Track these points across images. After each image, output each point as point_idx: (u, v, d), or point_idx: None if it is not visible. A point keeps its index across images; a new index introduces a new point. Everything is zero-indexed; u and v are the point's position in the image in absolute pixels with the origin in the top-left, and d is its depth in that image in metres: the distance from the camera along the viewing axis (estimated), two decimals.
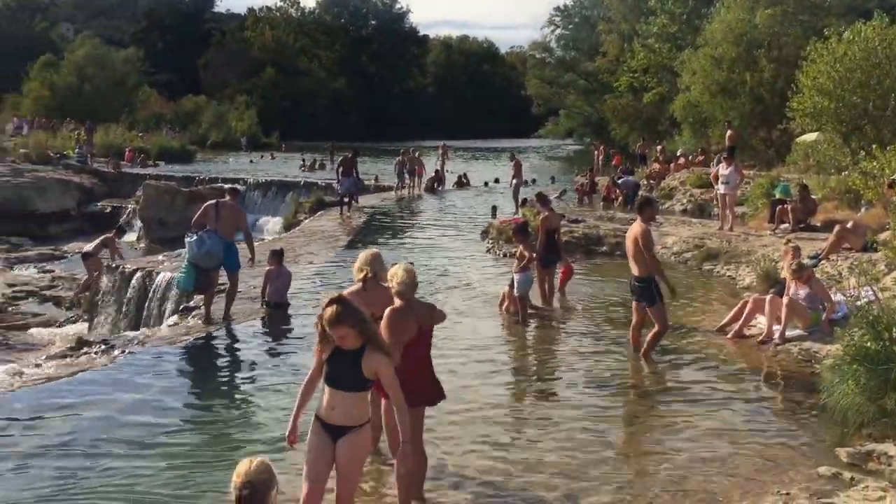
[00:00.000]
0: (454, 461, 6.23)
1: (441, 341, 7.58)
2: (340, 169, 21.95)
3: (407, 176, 27.13)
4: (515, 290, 10.67)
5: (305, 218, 22.12)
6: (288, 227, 22.22)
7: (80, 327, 14.18)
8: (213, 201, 10.99)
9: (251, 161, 43.49)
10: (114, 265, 14.64)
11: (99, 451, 6.48)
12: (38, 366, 9.17)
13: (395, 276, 5.21)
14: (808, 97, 18.52)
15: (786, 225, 15.78)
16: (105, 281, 14.02)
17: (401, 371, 4.69)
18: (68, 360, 9.28)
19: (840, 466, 6.03)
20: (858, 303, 8.42)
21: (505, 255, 15.14)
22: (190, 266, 10.38)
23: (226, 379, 8.73)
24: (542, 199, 12.60)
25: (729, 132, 24.94)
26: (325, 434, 4.46)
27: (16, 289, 17.92)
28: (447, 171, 30.77)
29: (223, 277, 10.99)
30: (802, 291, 9.45)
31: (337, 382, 4.42)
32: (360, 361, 4.38)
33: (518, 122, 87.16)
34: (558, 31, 65.35)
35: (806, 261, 10.96)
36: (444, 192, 28.31)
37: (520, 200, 21.73)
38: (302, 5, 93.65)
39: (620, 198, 22.98)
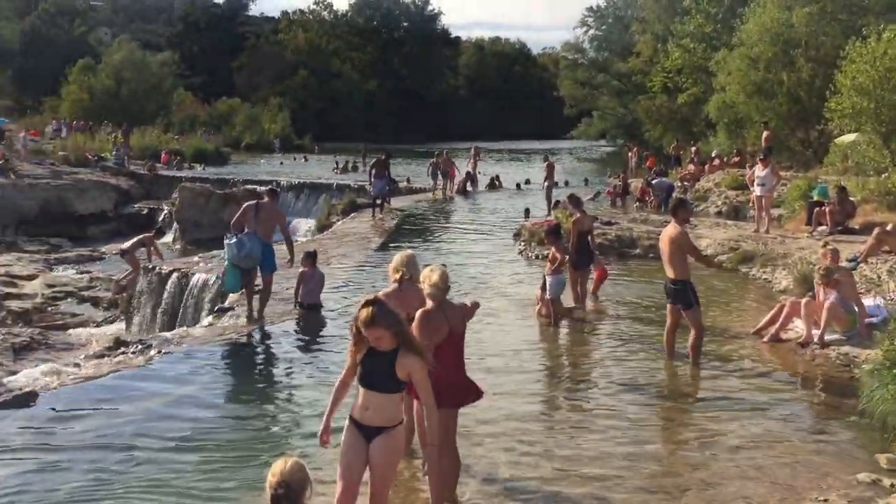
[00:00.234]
0: (486, 464, 6.22)
1: (472, 344, 7.58)
2: (373, 171, 22.02)
3: (440, 178, 27.18)
4: (548, 293, 10.63)
5: (338, 220, 22.22)
6: (321, 228, 22.35)
7: (118, 327, 14.38)
8: (253, 202, 11.13)
9: (281, 163, 43.79)
10: (151, 266, 14.83)
11: (135, 447, 6.59)
12: (77, 365, 9.33)
13: (428, 278, 5.23)
14: (847, 97, 18.23)
15: (823, 227, 15.54)
16: (142, 282, 14.21)
17: (431, 373, 4.70)
18: (106, 359, 9.41)
19: (880, 472, 5.93)
20: None
21: (537, 258, 15.09)
22: (232, 267, 10.53)
23: (260, 379, 8.81)
24: (574, 200, 12.53)
25: (765, 133, 24.60)
26: (359, 434, 4.49)
27: (55, 289, 18.19)
28: (479, 172, 30.74)
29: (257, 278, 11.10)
30: (831, 296, 9.31)
31: (371, 383, 4.44)
32: (395, 363, 4.39)
33: (550, 123, 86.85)
34: (591, 31, 65.13)
35: (844, 264, 10.80)
36: (477, 194, 28.30)
37: (552, 202, 21.66)
38: (335, 8, 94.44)
39: (654, 200, 22.81)
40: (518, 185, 30.22)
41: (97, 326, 15.26)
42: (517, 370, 8.70)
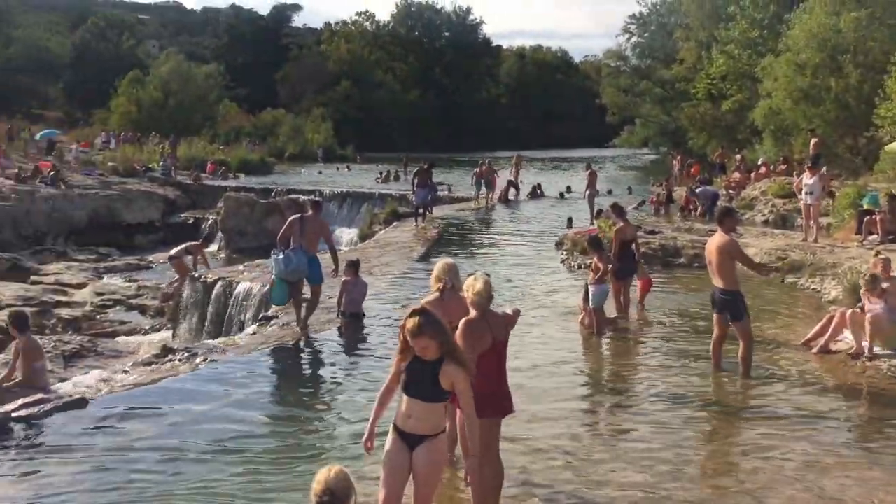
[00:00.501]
0: (529, 474, 6.19)
1: (514, 354, 7.55)
2: (416, 180, 22.11)
3: (483, 187, 27.21)
4: (591, 303, 10.56)
5: (380, 229, 22.33)
6: (363, 237, 22.50)
7: (165, 335, 14.62)
8: (298, 215, 11.26)
9: (319, 172, 44.09)
10: (197, 275, 15.05)
11: (181, 453, 6.69)
12: (125, 372, 9.49)
13: (471, 286, 5.23)
14: None
15: (874, 236, 15.22)
16: (188, 290, 14.43)
17: (473, 383, 4.69)
18: (153, 366, 9.56)
19: None
20: None
21: (579, 267, 15.00)
22: (280, 282, 10.69)
23: (303, 386, 8.88)
24: (617, 209, 12.46)
25: (813, 140, 24.20)
26: (402, 442, 4.50)
27: (104, 297, 18.57)
28: (521, 181, 30.68)
29: (305, 288, 11.23)
30: (878, 305, 9.10)
31: (415, 392, 4.46)
32: (438, 372, 4.41)
33: (593, 131, 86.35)
34: (633, 38, 64.58)
35: None
36: (519, 203, 28.23)
37: (595, 211, 21.52)
38: (377, 19, 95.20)
39: (700, 208, 22.53)
40: (561, 194, 30.10)
41: (145, 334, 15.54)
42: (560, 380, 8.64)
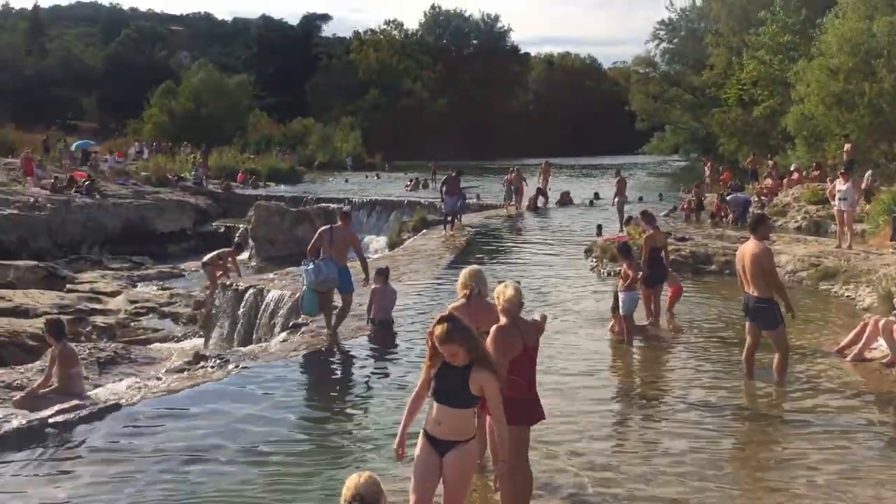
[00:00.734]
0: (558, 482, 6.17)
1: (544, 361, 7.55)
2: (444, 188, 22.16)
3: (513, 194, 27.20)
4: (620, 310, 10.50)
5: (409, 237, 22.39)
6: (392, 245, 22.56)
7: (197, 342, 14.76)
8: (328, 226, 11.38)
9: (345, 180, 44.25)
10: (228, 282, 15.20)
11: (212, 458, 6.77)
12: (158, 379, 9.61)
13: (502, 293, 5.23)
14: None
15: None
16: (219, 298, 14.57)
17: (504, 389, 4.70)
18: (186, 373, 9.68)
19: None
20: None
21: (609, 274, 14.94)
22: (310, 292, 10.80)
23: (333, 393, 8.94)
24: (646, 217, 12.37)
25: (847, 146, 23.88)
26: (432, 448, 4.53)
27: (137, 305, 18.80)
28: (549, 188, 30.60)
29: (336, 296, 11.31)
30: None
31: (444, 398, 4.48)
32: (468, 378, 4.42)
33: (622, 138, 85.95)
34: (663, 45, 64.23)
35: None
36: (547, 210, 28.16)
37: (624, 218, 21.39)
38: (405, 27, 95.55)
39: (731, 215, 22.33)
40: (590, 202, 29.97)
41: (177, 341, 15.70)
42: (590, 387, 8.61)
